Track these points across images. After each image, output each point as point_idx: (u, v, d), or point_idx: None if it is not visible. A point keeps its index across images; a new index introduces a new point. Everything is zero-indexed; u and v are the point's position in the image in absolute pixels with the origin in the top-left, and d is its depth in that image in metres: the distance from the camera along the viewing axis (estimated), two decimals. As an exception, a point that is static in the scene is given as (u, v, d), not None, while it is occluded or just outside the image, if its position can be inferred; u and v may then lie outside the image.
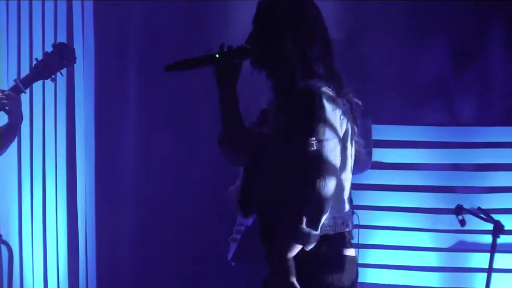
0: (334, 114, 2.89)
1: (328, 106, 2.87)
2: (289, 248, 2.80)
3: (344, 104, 2.96)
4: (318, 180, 2.80)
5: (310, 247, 2.82)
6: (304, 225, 2.78)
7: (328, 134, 2.85)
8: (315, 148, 2.82)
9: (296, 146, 2.84)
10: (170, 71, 3.02)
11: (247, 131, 3.13)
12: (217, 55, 3.02)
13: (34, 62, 4.26)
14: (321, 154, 2.83)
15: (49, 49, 4.39)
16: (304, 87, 2.90)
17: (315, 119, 2.85)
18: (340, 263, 2.96)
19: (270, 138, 2.99)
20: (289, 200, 2.81)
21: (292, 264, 2.80)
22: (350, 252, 2.99)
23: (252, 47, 3.03)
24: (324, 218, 2.82)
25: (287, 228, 2.80)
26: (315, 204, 2.80)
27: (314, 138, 2.83)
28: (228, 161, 3.22)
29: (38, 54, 5.53)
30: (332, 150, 2.85)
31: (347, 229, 2.98)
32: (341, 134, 2.91)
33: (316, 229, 2.80)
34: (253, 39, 3.04)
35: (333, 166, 2.86)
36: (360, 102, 3.03)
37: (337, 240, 2.95)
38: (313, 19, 3.03)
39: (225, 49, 3.03)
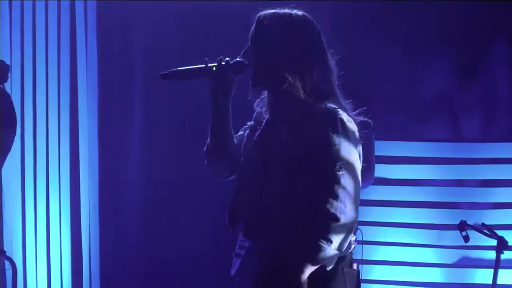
0: (354, 136, 2.90)
1: (350, 129, 2.89)
2: (309, 267, 2.80)
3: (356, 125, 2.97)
4: (349, 203, 2.82)
5: (331, 267, 2.83)
6: (333, 247, 2.79)
7: (353, 156, 2.87)
8: (343, 172, 2.83)
9: (324, 171, 2.82)
10: (165, 79, 3.03)
11: (235, 145, 3.11)
12: (214, 68, 3.01)
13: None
14: (350, 178, 2.83)
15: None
16: (326, 110, 2.88)
17: (342, 144, 2.85)
18: (344, 280, 2.96)
19: (278, 157, 2.92)
20: (315, 221, 2.79)
21: (306, 282, 2.81)
22: (354, 266, 3.01)
23: (249, 62, 3.01)
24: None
25: (310, 248, 2.78)
26: (347, 227, 2.81)
27: (342, 162, 2.84)
28: (213, 174, 3.19)
29: (41, 54, 5.62)
30: (358, 173, 2.87)
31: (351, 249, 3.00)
32: (359, 155, 2.92)
33: (341, 251, 2.83)
34: (250, 54, 3.02)
35: (359, 189, 2.88)
36: (370, 121, 3.02)
37: (344, 260, 2.96)
38: (313, 37, 3.01)
39: (223, 63, 3.01)
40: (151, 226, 5.72)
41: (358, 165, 2.89)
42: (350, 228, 2.83)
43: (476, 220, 5.22)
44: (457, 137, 5.52)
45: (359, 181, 2.88)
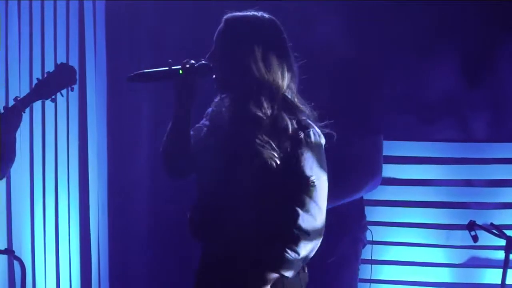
0: (323, 148, 2.93)
1: (320, 142, 2.90)
2: (273, 275, 2.85)
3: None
4: (319, 217, 2.87)
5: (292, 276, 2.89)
6: (299, 257, 2.84)
7: (323, 170, 2.90)
8: (315, 186, 2.84)
9: (296, 185, 2.86)
10: (131, 82, 3.05)
11: (191, 145, 3.12)
12: (180, 71, 3.02)
13: (35, 81, 4.27)
14: (320, 192, 2.86)
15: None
16: (297, 123, 2.90)
17: (313, 158, 2.88)
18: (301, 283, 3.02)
19: (247, 166, 2.92)
20: (285, 233, 2.83)
21: None
22: (305, 270, 3.05)
23: (214, 65, 3.01)
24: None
25: (276, 257, 2.84)
26: (315, 241, 2.87)
27: (314, 177, 2.86)
28: (169, 174, 3.24)
29: (49, 55, 5.61)
30: (326, 187, 2.92)
31: None
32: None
33: (306, 261, 2.91)
34: (215, 57, 3.03)
35: (326, 202, 2.92)
36: (333, 133, 3.02)
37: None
38: (280, 41, 3.00)
39: (188, 65, 3.02)
40: (160, 226, 5.72)
41: (326, 179, 2.93)
42: (317, 242, 2.90)
43: (485, 220, 5.21)
44: (466, 137, 5.50)
45: (326, 195, 2.92)
